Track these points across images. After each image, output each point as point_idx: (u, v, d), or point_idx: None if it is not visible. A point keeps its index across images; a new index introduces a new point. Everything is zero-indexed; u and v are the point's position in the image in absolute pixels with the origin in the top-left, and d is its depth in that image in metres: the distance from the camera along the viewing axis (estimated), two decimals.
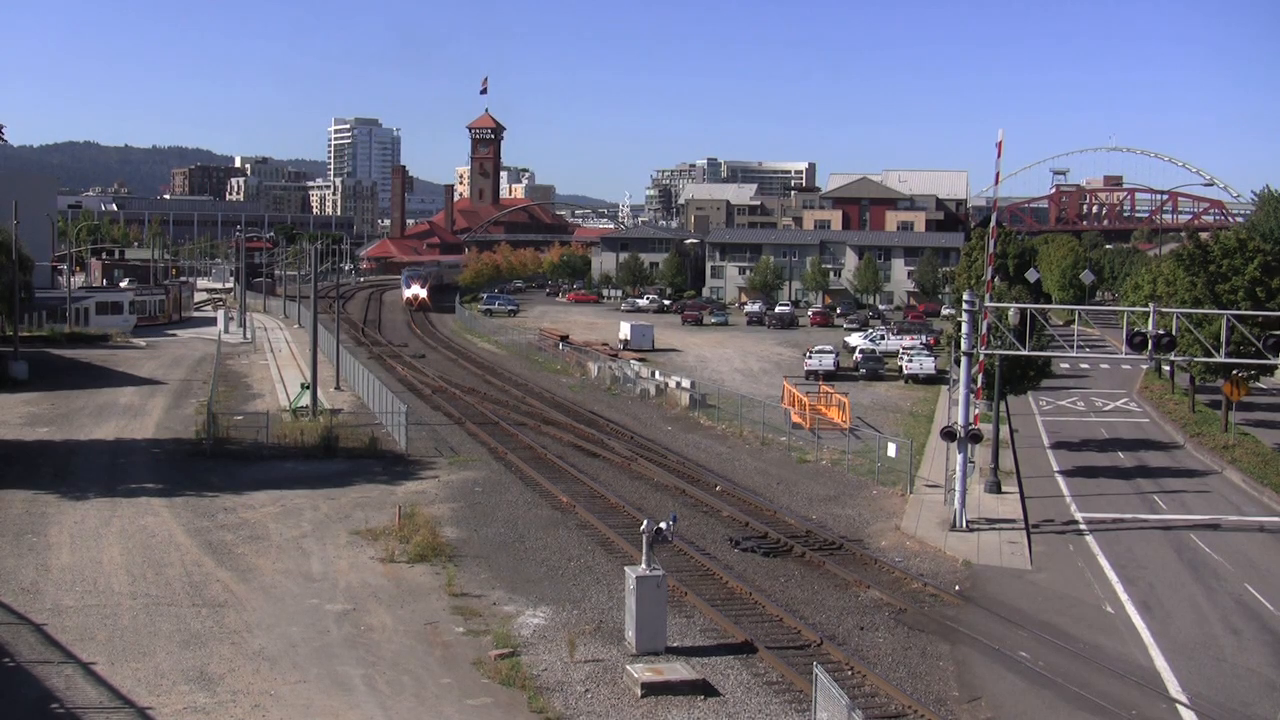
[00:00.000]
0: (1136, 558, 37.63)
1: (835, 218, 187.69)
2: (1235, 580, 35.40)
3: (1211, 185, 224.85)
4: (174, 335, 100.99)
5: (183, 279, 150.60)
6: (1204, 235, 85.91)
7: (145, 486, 43.23)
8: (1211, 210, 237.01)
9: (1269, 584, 34.97)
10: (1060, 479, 50.13)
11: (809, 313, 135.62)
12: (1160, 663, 28.20)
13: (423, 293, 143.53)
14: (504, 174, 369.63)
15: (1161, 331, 39.54)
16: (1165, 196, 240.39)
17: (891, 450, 47.71)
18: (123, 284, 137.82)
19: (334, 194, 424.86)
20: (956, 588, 33.57)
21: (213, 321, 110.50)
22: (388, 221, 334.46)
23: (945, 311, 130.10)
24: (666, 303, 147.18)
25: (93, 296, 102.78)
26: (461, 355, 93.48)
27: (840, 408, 62.46)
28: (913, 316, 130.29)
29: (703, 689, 25.07)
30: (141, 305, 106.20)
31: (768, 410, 61.92)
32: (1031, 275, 77.30)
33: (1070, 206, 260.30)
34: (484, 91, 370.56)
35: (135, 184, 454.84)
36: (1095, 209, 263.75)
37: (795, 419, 61.94)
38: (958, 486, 40.25)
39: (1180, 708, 25.55)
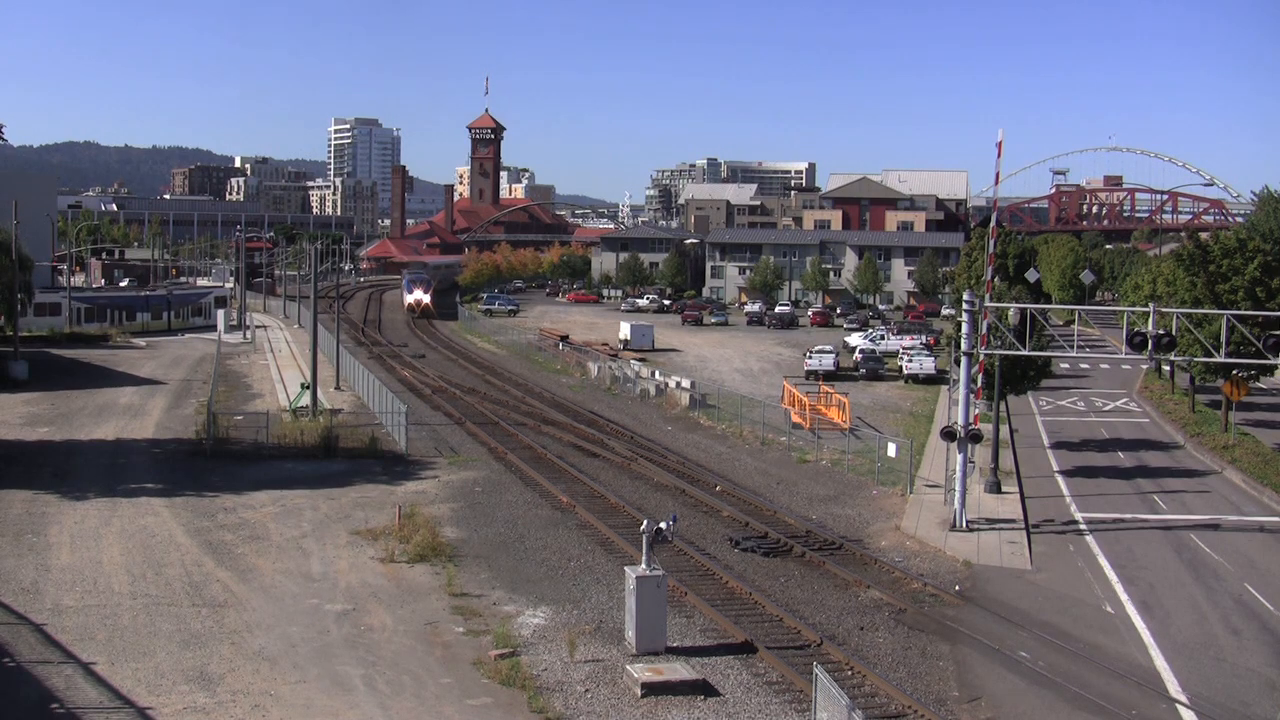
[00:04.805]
0: (1136, 558, 37.62)
1: (835, 218, 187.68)
2: (1235, 580, 35.41)
3: (1211, 185, 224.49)
4: (174, 335, 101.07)
5: (183, 279, 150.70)
6: (1204, 235, 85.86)
7: (145, 486, 43.22)
8: (1211, 210, 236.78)
9: (1269, 584, 34.97)
10: (1060, 479, 50.13)
11: (809, 313, 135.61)
12: (1160, 663, 28.20)
13: (425, 298, 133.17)
14: (504, 174, 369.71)
15: (1161, 331, 39.54)
16: (1165, 196, 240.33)
17: (891, 450, 47.70)
18: (122, 284, 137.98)
19: (334, 194, 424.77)
20: (956, 588, 33.57)
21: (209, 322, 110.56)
22: (388, 221, 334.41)
23: (945, 311, 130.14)
24: (666, 303, 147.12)
25: (212, 293, 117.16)
26: (461, 355, 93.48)
27: (840, 408, 62.46)
28: (913, 316, 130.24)
29: (703, 689, 25.07)
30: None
31: (768, 410, 61.93)
32: (1031, 275, 77.26)
33: (1070, 206, 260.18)
34: (485, 92, 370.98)
35: (135, 184, 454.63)
36: (1095, 209, 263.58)
37: (795, 419, 61.94)
38: (958, 486, 40.25)
39: (1180, 708, 25.55)
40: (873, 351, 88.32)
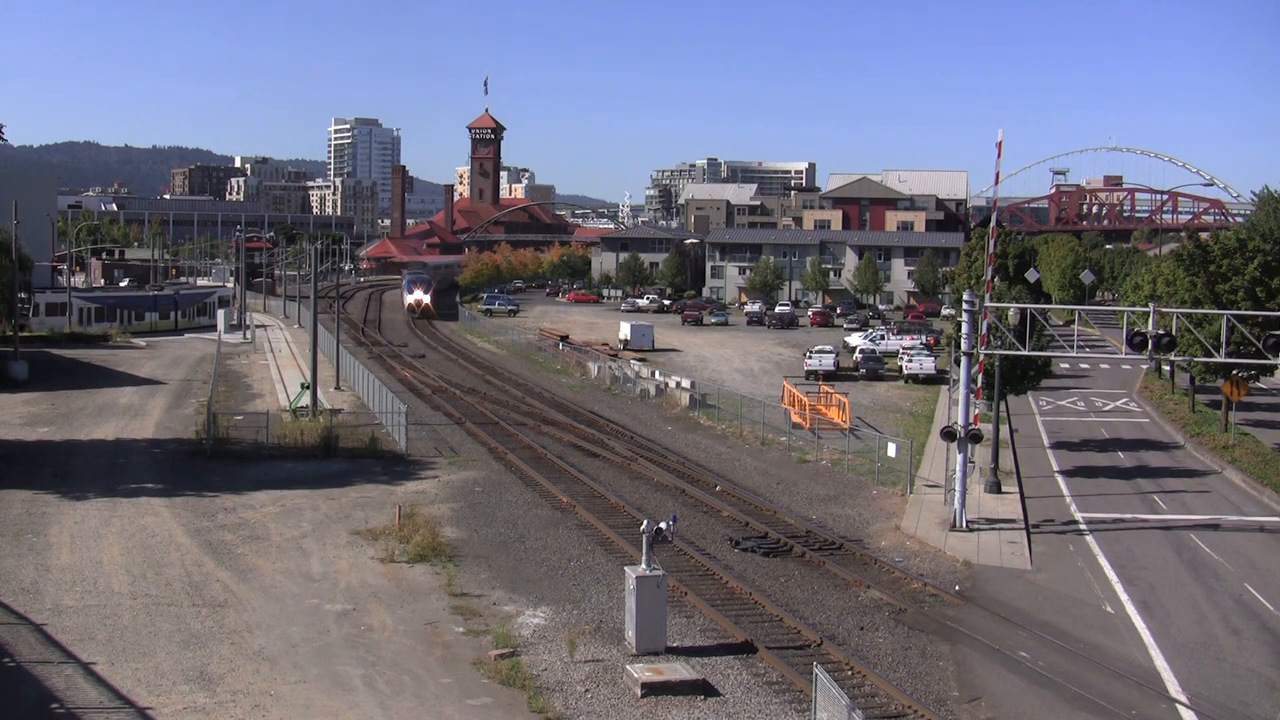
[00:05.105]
0: (1136, 558, 37.63)
1: (835, 218, 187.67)
2: (1235, 580, 35.41)
3: (1211, 185, 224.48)
4: (178, 335, 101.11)
5: (183, 279, 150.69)
6: (1204, 235, 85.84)
7: (145, 486, 43.23)
8: (1211, 210, 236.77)
9: (1269, 584, 34.97)
10: (1060, 479, 50.13)
11: (809, 313, 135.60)
12: (1160, 663, 28.21)
13: (426, 298, 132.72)
14: (504, 174, 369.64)
15: (1161, 331, 39.54)
16: (1165, 196, 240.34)
17: (891, 450, 47.70)
18: (122, 284, 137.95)
19: (334, 194, 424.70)
20: (956, 588, 33.57)
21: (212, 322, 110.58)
22: (388, 221, 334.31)
23: (945, 311, 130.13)
24: (666, 303, 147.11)
25: (216, 292, 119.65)
26: (461, 355, 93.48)
27: (840, 408, 62.46)
28: (913, 316, 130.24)
29: (703, 689, 25.07)
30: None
31: (768, 410, 61.93)
32: (1031, 275, 77.14)
33: (1070, 206, 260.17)
34: (485, 92, 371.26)
35: (135, 184, 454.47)
36: (1095, 209, 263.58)
37: (795, 419, 61.94)
38: (958, 486, 40.25)
39: (1180, 708, 25.55)
40: (873, 351, 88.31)
